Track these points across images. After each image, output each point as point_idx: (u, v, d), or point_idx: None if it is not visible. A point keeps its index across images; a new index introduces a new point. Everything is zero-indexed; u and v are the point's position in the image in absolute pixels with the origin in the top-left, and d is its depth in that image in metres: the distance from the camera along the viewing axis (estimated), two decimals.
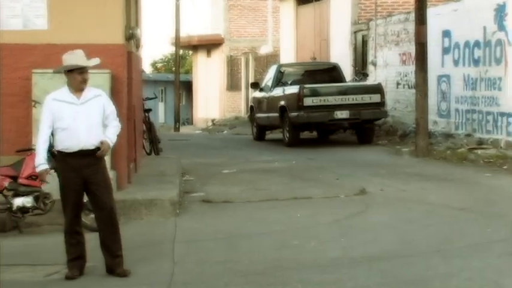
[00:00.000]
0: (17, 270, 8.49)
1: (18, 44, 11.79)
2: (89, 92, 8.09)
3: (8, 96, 11.72)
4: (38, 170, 8.09)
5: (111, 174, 11.18)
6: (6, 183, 10.26)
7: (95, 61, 8.18)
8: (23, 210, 10.27)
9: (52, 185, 9.84)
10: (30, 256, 9.16)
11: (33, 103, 11.37)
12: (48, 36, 11.76)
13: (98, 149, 7.95)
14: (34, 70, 11.58)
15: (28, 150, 10.56)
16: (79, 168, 7.92)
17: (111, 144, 8.11)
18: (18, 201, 10.24)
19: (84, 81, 8.03)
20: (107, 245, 8.01)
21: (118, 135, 8.29)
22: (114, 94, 11.39)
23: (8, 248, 9.71)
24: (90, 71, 8.15)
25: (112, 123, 8.15)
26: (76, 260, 8.00)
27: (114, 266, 7.98)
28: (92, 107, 8.02)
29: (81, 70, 7.98)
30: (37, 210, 10.32)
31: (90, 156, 7.93)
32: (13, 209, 10.25)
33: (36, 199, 10.27)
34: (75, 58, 7.99)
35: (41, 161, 8.01)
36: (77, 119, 7.92)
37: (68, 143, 7.93)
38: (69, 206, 8.00)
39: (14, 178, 10.30)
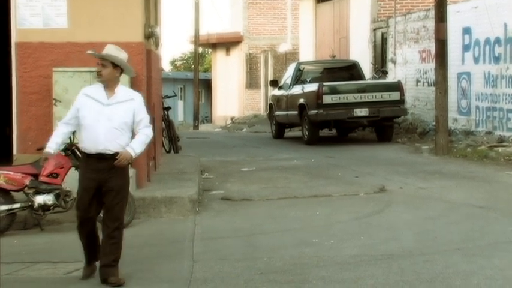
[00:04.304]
0: (37, 267, 8.55)
1: (39, 42, 11.85)
2: (122, 92, 7.76)
3: (28, 95, 11.79)
4: (44, 151, 7.91)
5: (131, 172, 11.23)
6: (27, 181, 10.32)
7: (105, 53, 7.77)
8: (44, 207, 10.33)
9: (73, 183, 9.91)
10: (51, 253, 9.21)
11: (53, 101, 11.42)
12: (68, 34, 11.81)
13: (116, 154, 7.62)
14: (54, 68, 11.63)
15: None
16: (96, 171, 7.68)
17: (133, 154, 7.66)
18: (39, 199, 10.30)
19: (98, 75, 7.74)
20: (103, 250, 7.73)
21: (148, 144, 7.96)
22: None
23: (29, 245, 9.80)
24: None
25: (142, 131, 7.73)
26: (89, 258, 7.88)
27: (107, 273, 7.63)
28: (119, 110, 7.66)
29: (99, 62, 7.73)
30: (58, 207, 10.37)
31: (108, 161, 7.62)
32: (34, 206, 10.31)
33: (57, 197, 10.32)
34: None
35: (49, 144, 7.85)
36: (99, 120, 7.62)
37: (87, 144, 7.72)
38: (80, 206, 7.81)
39: (35, 176, 10.36)
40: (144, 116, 7.76)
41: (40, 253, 9.29)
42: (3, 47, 12.29)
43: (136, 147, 7.69)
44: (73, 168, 10.15)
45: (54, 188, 10.35)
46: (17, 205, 10.37)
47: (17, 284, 7.99)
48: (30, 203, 10.33)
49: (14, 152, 11.86)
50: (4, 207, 10.32)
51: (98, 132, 7.62)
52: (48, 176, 10.34)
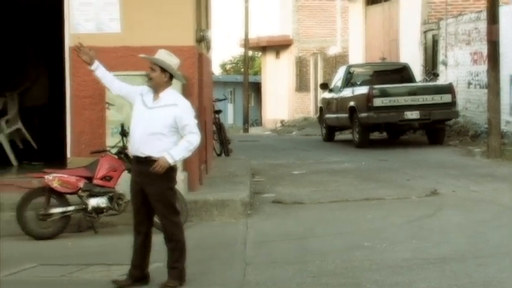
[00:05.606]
0: (91, 269, 8.64)
1: (92, 47, 11.92)
2: (167, 97, 7.71)
3: (82, 99, 11.92)
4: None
5: (182, 175, 11.32)
6: (81, 184, 10.43)
7: (152, 57, 7.79)
8: (98, 210, 10.43)
9: (125, 186, 10.02)
10: (105, 256, 9.31)
11: (106, 105, 11.52)
12: (121, 38, 11.92)
13: (150, 158, 7.58)
14: None
15: (102, 151, 10.74)
16: (137, 174, 7.78)
17: (171, 161, 7.55)
18: (93, 202, 10.41)
19: (148, 78, 7.79)
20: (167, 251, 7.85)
21: (193, 151, 7.78)
22: (186, 96, 11.43)
23: (83, 247, 9.92)
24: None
25: (186, 137, 7.62)
26: (133, 266, 7.86)
27: (167, 275, 7.76)
28: (159, 115, 7.61)
29: (150, 65, 7.78)
30: (111, 210, 10.47)
31: (144, 164, 7.61)
32: (88, 209, 10.42)
33: (110, 199, 10.42)
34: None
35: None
36: (139, 123, 7.67)
37: (129, 145, 7.92)
38: (133, 208, 7.92)
39: (89, 179, 10.47)
40: (188, 123, 7.63)
41: (94, 255, 9.39)
42: (58, 52, 12.49)
43: (176, 153, 7.59)
44: (126, 171, 10.24)
45: (108, 191, 10.45)
46: (71, 208, 10.49)
47: (71, 286, 8.10)
48: (84, 206, 10.44)
49: (68, 155, 12.03)
50: (59, 210, 10.45)
51: (135, 135, 7.70)
52: (101, 179, 10.45)
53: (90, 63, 8.15)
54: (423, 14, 25.52)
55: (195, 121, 7.76)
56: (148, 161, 7.59)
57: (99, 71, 8.18)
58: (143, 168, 7.64)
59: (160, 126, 7.60)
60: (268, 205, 12.23)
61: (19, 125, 14.97)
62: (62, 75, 12.30)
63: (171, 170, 7.69)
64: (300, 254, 9.01)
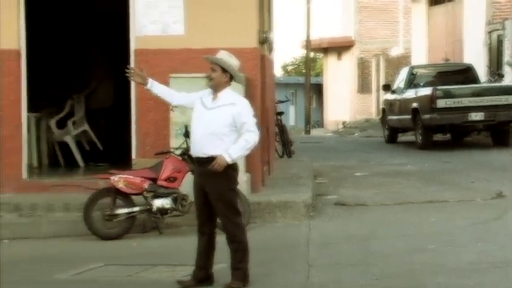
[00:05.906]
0: (157, 270, 8.74)
1: (156, 49, 12.10)
2: (226, 97, 7.76)
3: (146, 101, 12.03)
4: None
5: (245, 176, 11.38)
6: (146, 185, 10.56)
7: (214, 57, 7.82)
8: (162, 211, 10.54)
9: (189, 187, 10.10)
10: (170, 256, 9.41)
11: (170, 107, 11.61)
12: (184, 41, 12.04)
13: (212, 158, 7.62)
14: (171, 74, 11.83)
15: (166, 153, 10.84)
16: (198, 175, 7.86)
17: (229, 160, 7.57)
18: (157, 203, 10.52)
19: (209, 79, 7.82)
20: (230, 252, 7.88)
21: (251, 149, 7.80)
22: (248, 97, 11.48)
23: (148, 248, 10.05)
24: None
25: (243, 136, 7.64)
26: (198, 267, 7.91)
27: (231, 275, 7.80)
28: (219, 114, 7.66)
29: (211, 66, 7.82)
30: (175, 211, 10.57)
31: (205, 165, 7.64)
32: (153, 210, 10.54)
33: (174, 200, 10.53)
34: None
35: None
36: (199, 124, 7.73)
37: (191, 147, 8.00)
38: (196, 208, 7.98)
39: (154, 180, 10.59)
40: (246, 121, 7.65)
41: (159, 256, 9.50)
42: (123, 54, 12.65)
43: (234, 152, 7.61)
44: (190, 173, 10.32)
45: (172, 192, 10.56)
46: (137, 208, 10.62)
47: (137, 286, 8.21)
48: (148, 207, 10.56)
49: (133, 156, 12.19)
50: (124, 211, 10.59)
51: (196, 136, 7.76)
52: (166, 180, 10.56)
53: (145, 83, 8.22)
54: (488, 14, 25.22)
55: (254, 120, 7.78)
56: (209, 161, 7.64)
57: (155, 88, 8.23)
58: (204, 168, 7.69)
59: (220, 125, 7.65)
60: (331, 207, 12.22)
61: (85, 126, 15.20)
62: (127, 78, 12.42)
63: (231, 169, 7.73)
64: (363, 256, 9.00)
